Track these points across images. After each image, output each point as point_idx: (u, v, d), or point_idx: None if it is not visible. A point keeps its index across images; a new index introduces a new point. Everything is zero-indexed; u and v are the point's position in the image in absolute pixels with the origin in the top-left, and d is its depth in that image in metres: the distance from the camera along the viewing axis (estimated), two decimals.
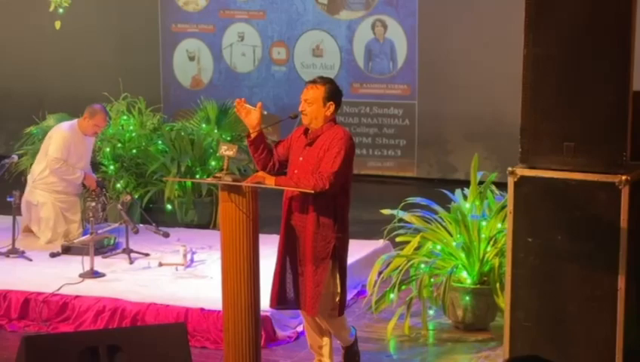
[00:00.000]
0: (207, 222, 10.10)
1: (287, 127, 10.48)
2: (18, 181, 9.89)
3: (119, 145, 10.33)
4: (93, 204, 8.90)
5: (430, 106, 12.41)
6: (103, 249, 8.74)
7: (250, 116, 6.44)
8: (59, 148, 9.09)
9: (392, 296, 7.49)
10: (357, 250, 8.28)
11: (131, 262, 8.54)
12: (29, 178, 9.33)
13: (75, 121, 9.31)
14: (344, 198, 6.37)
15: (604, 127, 5.88)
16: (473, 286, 7.50)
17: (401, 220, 7.82)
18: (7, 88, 13.73)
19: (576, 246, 5.96)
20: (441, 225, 7.69)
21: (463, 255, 7.54)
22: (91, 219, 8.51)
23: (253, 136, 6.44)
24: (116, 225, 8.86)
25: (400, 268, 7.52)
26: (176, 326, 5.83)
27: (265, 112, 6.60)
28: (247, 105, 6.45)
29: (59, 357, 5.13)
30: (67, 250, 8.67)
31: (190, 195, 10.14)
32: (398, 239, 7.82)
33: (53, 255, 8.68)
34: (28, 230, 9.32)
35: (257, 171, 6.52)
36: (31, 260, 8.61)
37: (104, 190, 9.17)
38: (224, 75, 13.20)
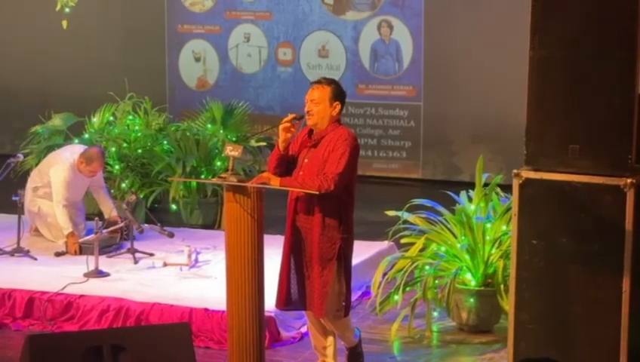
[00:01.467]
0: (211, 223, 10.10)
1: None
2: (23, 180, 9.89)
3: (125, 144, 10.34)
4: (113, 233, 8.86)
5: (435, 108, 12.40)
6: (108, 249, 8.74)
7: (290, 134, 6.41)
8: (62, 191, 8.91)
9: (396, 297, 7.49)
10: (361, 251, 8.28)
11: (136, 262, 8.54)
12: (28, 185, 9.27)
13: (76, 159, 9.02)
14: (349, 199, 6.37)
15: (610, 129, 5.88)
16: (477, 288, 7.50)
17: (405, 222, 7.82)
18: (13, 87, 13.74)
19: (581, 248, 5.96)
20: (446, 226, 7.69)
21: (467, 257, 7.54)
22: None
23: (283, 150, 6.42)
24: (121, 224, 8.86)
25: (404, 269, 7.52)
26: (180, 326, 5.83)
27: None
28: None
29: (63, 357, 5.13)
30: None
31: (195, 195, 10.15)
32: (402, 240, 7.83)
33: (57, 254, 8.70)
34: (37, 230, 9.31)
35: (262, 172, 6.52)
36: (36, 259, 8.62)
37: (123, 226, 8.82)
38: (230, 76, 13.20)
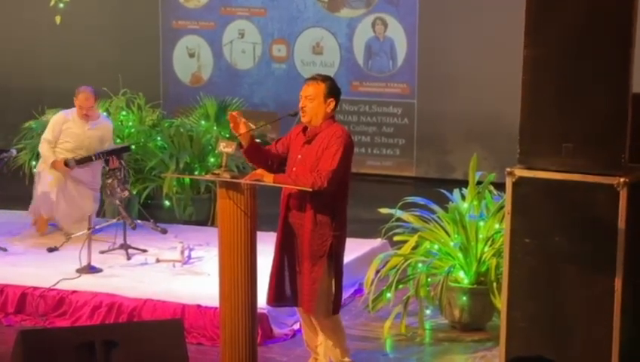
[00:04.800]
0: (205, 219, 10.09)
1: (286, 125, 10.47)
2: (16, 175, 9.89)
3: (118, 140, 10.33)
4: (110, 180, 8.86)
5: (429, 105, 12.41)
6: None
7: (239, 127, 6.40)
8: (47, 130, 9.20)
9: (388, 294, 7.50)
10: (354, 249, 8.28)
11: (128, 258, 8.54)
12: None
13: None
14: (342, 196, 6.36)
15: (603, 128, 5.88)
16: (470, 286, 7.50)
17: (399, 219, 7.82)
18: (7, 83, 13.72)
19: (574, 247, 5.97)
20: (439, 224, 7.69)
21: (460, 255, 7.54)
22: (111, 197, 8.75)
23: (245, 145, 6.41)
24: (114, 220, 8.86)
25: (397, 267, 7.52)
26: (172, 323, 5.83)
27: (241, 112, 6.56)
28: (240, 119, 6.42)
29: (55, 352, 5.13)
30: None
31: (188, 192, 10.14)
32: (395, 238, 7.83)
33: (50, 250, 8.70)
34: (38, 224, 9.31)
35: (256, 169, 6.52)
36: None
37: (122, 162, 8.87)
38: (224, 72, 13.20)
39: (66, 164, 8.95)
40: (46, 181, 9.02)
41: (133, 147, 9.59)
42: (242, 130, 6.39)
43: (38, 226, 9.23)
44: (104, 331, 5.44)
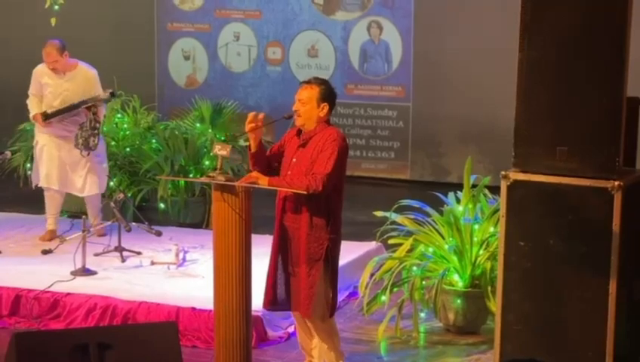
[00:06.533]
0: (199, 222, 10.09)
1: (281, 128, 10.47)
2: (11, 177, 9.87)
3: (113, 143, 10.32)
4: (78, 132, 8.88)
5: (424, 108, 12.41)
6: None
7: (255, 133, 6.39)
8: (31, 84, 9.22)
9: (383, 298, 7.49)
10: (349, 252, 8.28)
11: (123, 261, 8.53)
12: None
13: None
14: (337, 199, 6.36)
15: (598, 132, 5.89)
16: (465, 289, 7.50)
17: (393, 222, 7.82)
18: (1, 84, 13.70)
19: (569, 250, 5.98)
20: (434, 227, 7.69)
21: (455, 258, 7.54)
22: (80, 147, 8.81)
23: (253, 148, 6.42)
24: (109, 222, 8.85)
25: (392, 270, 7.52)
26: (167, 325, 5.83)
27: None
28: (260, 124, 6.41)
29: (49, 354, 5.12)
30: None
31: (183, 194, 10.14)
32: (390, 241, 7.82)
33: (45, 252, 8.69)
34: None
35: (251, 171, 6.51)
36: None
37: (94, 115, 8.91)
38: (219, 75, 13.20)
39: (44, 117, 8.98)
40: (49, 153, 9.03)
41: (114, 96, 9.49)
42: (260, 134, 6.37)
43: (43, 236, 9.18)
44: (98, 333, 5.43)
